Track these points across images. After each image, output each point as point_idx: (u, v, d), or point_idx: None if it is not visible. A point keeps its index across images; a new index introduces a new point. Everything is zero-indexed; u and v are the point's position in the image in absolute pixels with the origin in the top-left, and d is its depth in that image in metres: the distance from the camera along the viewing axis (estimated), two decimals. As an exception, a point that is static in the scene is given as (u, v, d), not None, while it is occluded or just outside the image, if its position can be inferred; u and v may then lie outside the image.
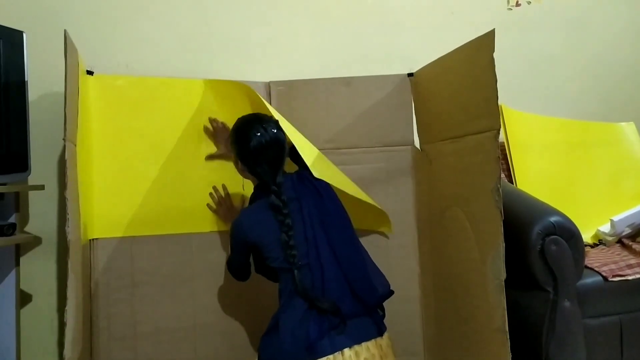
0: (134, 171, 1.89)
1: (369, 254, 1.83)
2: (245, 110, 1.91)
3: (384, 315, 1.59)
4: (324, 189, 1.65)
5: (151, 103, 1.94)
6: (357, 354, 1.44)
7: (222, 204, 1.94)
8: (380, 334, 1.53)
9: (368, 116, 2.10)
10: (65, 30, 1.46)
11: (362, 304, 1.52)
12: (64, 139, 1.38)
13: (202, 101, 1.98)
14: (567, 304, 1.66)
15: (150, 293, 1.90)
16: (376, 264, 2.00)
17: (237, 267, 1.70)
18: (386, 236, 2.08)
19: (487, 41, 1.43)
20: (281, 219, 1.52)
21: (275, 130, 1.60)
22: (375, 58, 2.38)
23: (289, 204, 1.55)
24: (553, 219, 1.68)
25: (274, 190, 1.54)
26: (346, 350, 1.42)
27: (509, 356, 1.38)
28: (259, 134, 1.57)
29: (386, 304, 2.01)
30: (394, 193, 2.08)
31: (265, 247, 1.54)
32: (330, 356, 1.40)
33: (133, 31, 2.09)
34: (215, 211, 1.95)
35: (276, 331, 1.45)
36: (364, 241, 2.02)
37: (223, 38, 2.21)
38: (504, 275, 1.40)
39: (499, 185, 1.38)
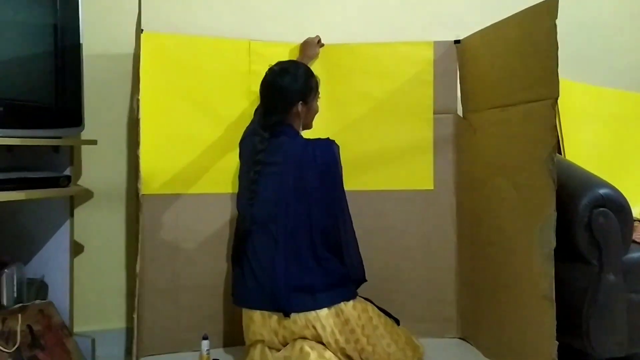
0: (180, 130, 1.93)
1: (406, 221, 2.00)
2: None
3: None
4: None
5: (199, 63, 1.96)
6: None
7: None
8: None
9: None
10: None
11: None
12: (138, 99, 1.41)
13: (249, 62, 1.99)
14: (611, 277, 1.64)
15: (192, 249, 1.97)
16: (412, 234, 2.08)
17: None
18: (427, 194, 2.08)
19: (549, 7, 1.39)
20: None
21: (278, 76, 1.70)
22: (421, 24, 2.33)
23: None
24: (602, 191, 1.64)
25: (258, 131, 1.68)
26: None
27: (554, 322, 1.39)
28: (267, 74, 1.73)
29: (420, 269, 2.07)
30: (435, 160, 2.08)
31: None
32: None
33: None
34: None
35: None
36: (403, 205, 2.07)
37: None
38: (553, 244, 1.39)
39: (553, 155, 1.36)
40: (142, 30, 1.81)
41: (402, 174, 2.08)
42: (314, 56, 2.02)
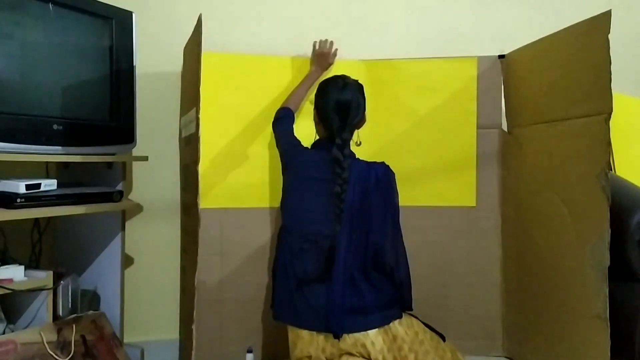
0: (225, 145, 1.98)
1: (449, 238, 1.99)
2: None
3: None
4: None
5: (242, 79, 2.01)
6: None
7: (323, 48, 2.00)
8: None
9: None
10: (200, 15, 1.52)
11: None
12: (198, 117, 1.45)
13: (292, 79, 2.03)
14: (665, 297, 1.59)
15: (236, 263, 2.00)
16: (455, 250, 2.07)
17: None
18: (469, 211, 2.07)
19: (601, 22, 1.38)
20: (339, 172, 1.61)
21: (357, 93, 1.70)
22: (466, 38, 2.32)
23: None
24: (655, 208, 1.61)
25: (338, 144, 1.63)
26: None
27: (609, 343, 1.36)
28: (335, 89, 1.69)
29: (464, 286, 2.06)
30: (478, 176, 2.07)
31: None
32: None
33: (229, 10, 2.15)
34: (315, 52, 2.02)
35: None
36: (445, 221, 2.07)
37: (316, 16, 2.23)
38: (607, 263, 1.36)
39: (606, 171, 1.34)
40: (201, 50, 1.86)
41: (444, 191, 2.08)
42: (329, 67, 2.02)
